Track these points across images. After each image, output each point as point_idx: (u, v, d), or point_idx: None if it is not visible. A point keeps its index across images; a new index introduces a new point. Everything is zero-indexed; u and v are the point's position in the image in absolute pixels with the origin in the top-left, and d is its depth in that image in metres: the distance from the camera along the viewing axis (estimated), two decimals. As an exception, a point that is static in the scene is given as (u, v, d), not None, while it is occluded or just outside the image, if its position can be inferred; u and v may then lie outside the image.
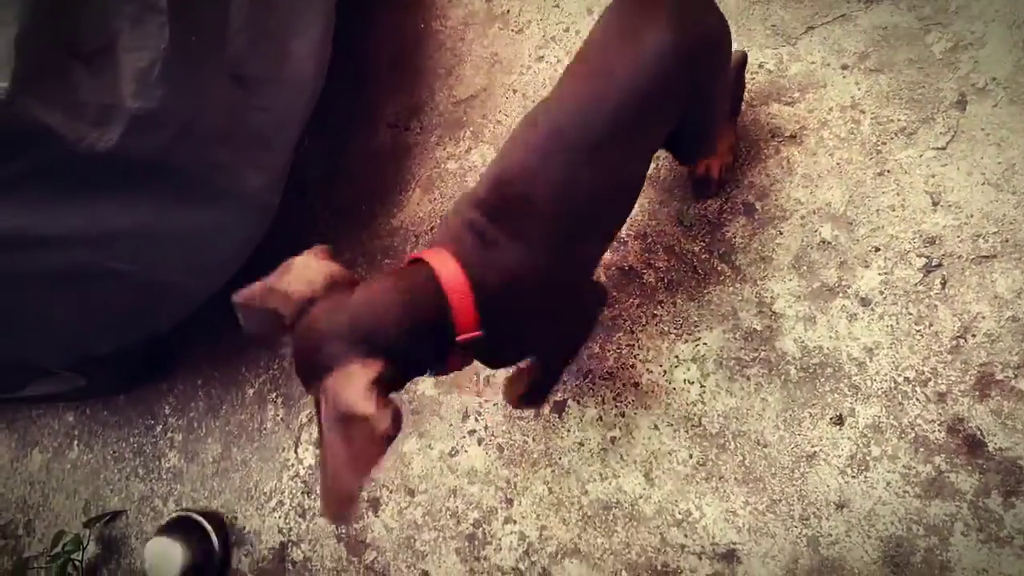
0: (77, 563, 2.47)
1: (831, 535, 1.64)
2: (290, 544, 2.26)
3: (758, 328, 1.80)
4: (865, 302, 1.70)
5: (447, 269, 1.27)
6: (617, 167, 1.38)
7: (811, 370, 1.73)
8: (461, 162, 2.30)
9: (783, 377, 1.75)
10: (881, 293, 1.68)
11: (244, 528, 2.37)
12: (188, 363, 2.67)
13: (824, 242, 1.76)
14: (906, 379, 1.63)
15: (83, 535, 2.54)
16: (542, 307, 1.38)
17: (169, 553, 2.28)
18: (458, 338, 1.26)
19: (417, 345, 1.24)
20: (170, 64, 1.61)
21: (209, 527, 2.35)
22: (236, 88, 1.83)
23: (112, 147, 1.53)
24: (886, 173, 1.73)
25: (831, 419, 1.68)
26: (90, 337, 2.05)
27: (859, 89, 1.80)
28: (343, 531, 2.18)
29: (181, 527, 2.37)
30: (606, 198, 1.40)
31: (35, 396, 2.59)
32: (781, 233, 1.81)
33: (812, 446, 1.69)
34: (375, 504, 2.14)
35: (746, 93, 1.89)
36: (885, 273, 1.69)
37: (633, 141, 1.39)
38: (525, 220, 1.32)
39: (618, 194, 1.45)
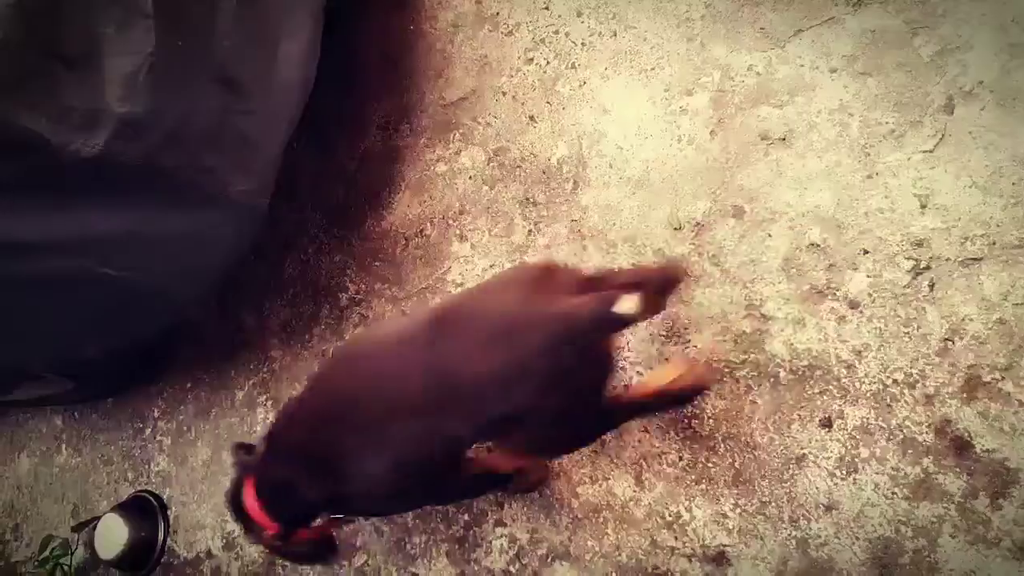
0: (66, 567, 2.46)
1: (820, 537, 1.65)
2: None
3: (747, 330, 1.80)
4: (854, 304, 1.70)
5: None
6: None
7: (800, 372, 1.73)
8: (451, 164, 2.30)
9: (772, 379, 1.75)
10: (870, 295, 1.69)
11: (233, 532, 2.36)
12: (177, 366, 2.66)
13: (813, 245, 1.76)
14: (894, 381, 1.64)
15: (71, 539, 2.53)
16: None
17: (117, 529, 2.46)
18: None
19: None
20: (156, 68, 1.60)
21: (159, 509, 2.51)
22: (224, 92, 1.82)
23: (98, 152, 1.52)
24: (875, 176, 1.73)
25: (820, 421, 1.69)
26: (78, 341, 2.05)
27: (848, 92, 1.80)
28: (335, 534, 2.17)
29: (136, 506, 2.53)
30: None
31: (24, 400, 2.57)
32: (770, 235, 1.81)
33: (801, 448, 1.70)
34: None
35: (735, 96, 1.90)
36: (874, 276, 1.69)
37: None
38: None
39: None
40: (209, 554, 2.40)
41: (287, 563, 2.23)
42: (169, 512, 2.54)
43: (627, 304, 1.26)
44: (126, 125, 1.57)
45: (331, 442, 1.47)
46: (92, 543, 2.49)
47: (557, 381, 1.33)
